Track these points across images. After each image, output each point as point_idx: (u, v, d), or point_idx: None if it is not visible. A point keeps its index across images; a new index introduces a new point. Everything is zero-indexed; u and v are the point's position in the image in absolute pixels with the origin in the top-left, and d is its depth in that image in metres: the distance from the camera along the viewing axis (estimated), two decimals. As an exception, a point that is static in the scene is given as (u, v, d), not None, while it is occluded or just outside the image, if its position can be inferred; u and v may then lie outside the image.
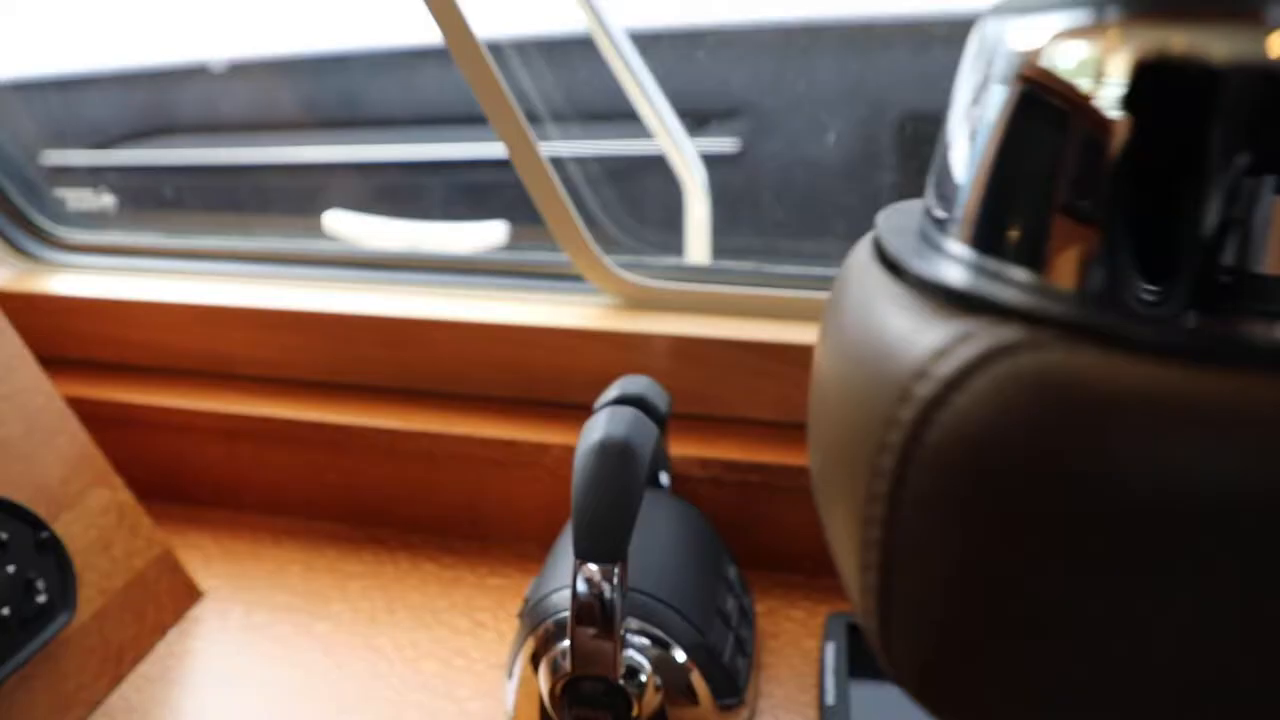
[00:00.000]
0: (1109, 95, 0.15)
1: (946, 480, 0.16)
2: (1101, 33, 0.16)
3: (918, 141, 1.15)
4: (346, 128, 1.78)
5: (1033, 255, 0.17)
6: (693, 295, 0.67)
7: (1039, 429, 0.15)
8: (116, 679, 0.56)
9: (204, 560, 0.68)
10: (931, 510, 0.16)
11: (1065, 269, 0.17)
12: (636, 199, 1.12)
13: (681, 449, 0.62)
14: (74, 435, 0.58)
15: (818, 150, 1.26)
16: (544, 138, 0.66)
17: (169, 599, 0.62)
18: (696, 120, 1.62)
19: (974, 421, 0.15)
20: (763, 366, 0.63)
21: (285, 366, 0.73)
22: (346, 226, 1.29)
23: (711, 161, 1.53)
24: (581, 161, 1.11)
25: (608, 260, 0.67)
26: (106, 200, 0.85)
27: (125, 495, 0.61)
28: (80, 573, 0.55)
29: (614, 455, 0.43)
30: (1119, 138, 0.15)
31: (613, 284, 0.68)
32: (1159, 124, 0.15)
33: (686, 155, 1.04)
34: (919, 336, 0.16)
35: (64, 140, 1.30)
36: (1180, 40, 0.15)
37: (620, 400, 0.48)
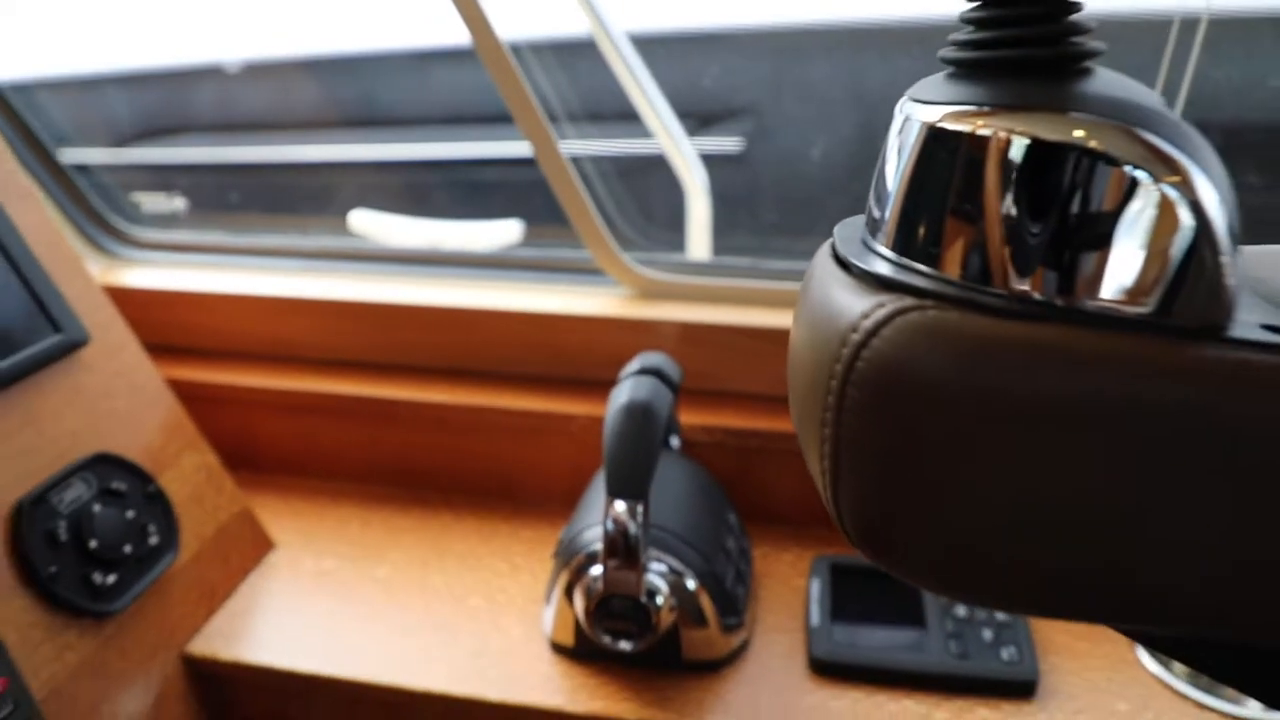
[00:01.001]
0: (978, 150, 0.25)
1: (869, 394, 0.25)
2: (973, 116, 0.25)
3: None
4: (359, 127, 1.86)
5: (928, 254, 0.26)
6: (697, 287, 0.76)
7: (923, 360, 0.25)
8: (210, 611, 0.66)
9: (274, 517, 0.77)
10: (861, 414, 0.26)
11: (951, 262, 0.26)
12: (642, 195, 1.20)
13: (690, 418, 0.71)
14: (170, 407, 0.68)
15: (818, 151, 1.33)
16: (560, 137, 0.75)
17: (249, 547, 0.71)
18: (701, 121, 1.70)
19: (885, 356, 0.25)
20: (759, 348, 0.72)
21: (341, 350, 0.82)
22: (371, 225, 1.38)
23: (716, 161, 1.61)
24: (596, 160, 1.19)
25: (625, 256, 0.76)
26: (178, 203, 0.94)
27: (211, 458, 0.70)
28: (180, 521, 0.64)
29: (638, 414, 0.53)
30: (985, 180, 0.25)
31: (627, 276, 0.78)
32: (1006, 170, 0.25)
33: (687, 156, 1.12)
34: (854, 306, 0.26)
35: (80, 139, 1.39)
36: (1012, 123, 0.24)
37: (642, 371, 0.58)
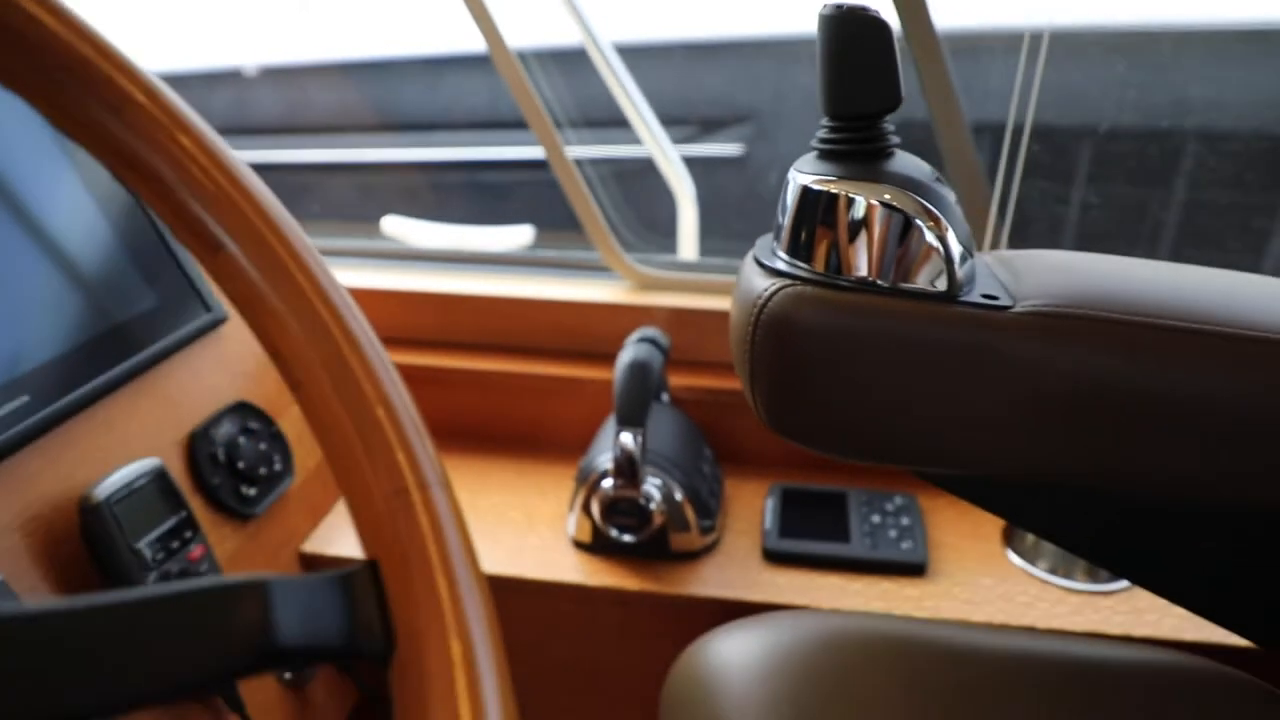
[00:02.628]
0: (830, 202, 0.46)
1: (767, 333, 0.47)
2: (828, 183, 0.46)
3: (906, 148, 1.40)
4: (388, 131, 2.04)
5: (804, 256, 0.48)
6: (684, 281, 0.97)
7: (797, 314, 0.46)
8: (315, 522, 0.87)
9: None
10: (764, 345, 0.47)
11: (817, 261, 0.47)
12: (636, 196, 1.38)
13: (676, 380, 0.92)
14: (280, 370, 0.88)
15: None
16: (569, 142, 0.96)
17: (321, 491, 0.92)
18: (704, 126, 1.89)
19: (774, 312, 0.46)
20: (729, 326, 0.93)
21: (403, 329, 1.03)
22: (401, 229, 1.58)
23: (719, 163, 1.80)
24: (595, 163, 1.37)
25: (626, 255, 0.97)
26: None
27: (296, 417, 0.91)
28: (294, 454, 0.85)
29: (638, 366, 0.74)
30: (836, 218, 0.46)
31: (628, 271, 0.98)
32: (846, 214, 0.46)
33: (677, 168, 1.33)
34: (760, 284, 0.47)
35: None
36: (848, 188, 0.46)
37: (641, 340, 0.79)
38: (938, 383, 0.46)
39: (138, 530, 0.63)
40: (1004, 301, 0.46)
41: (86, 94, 0.26)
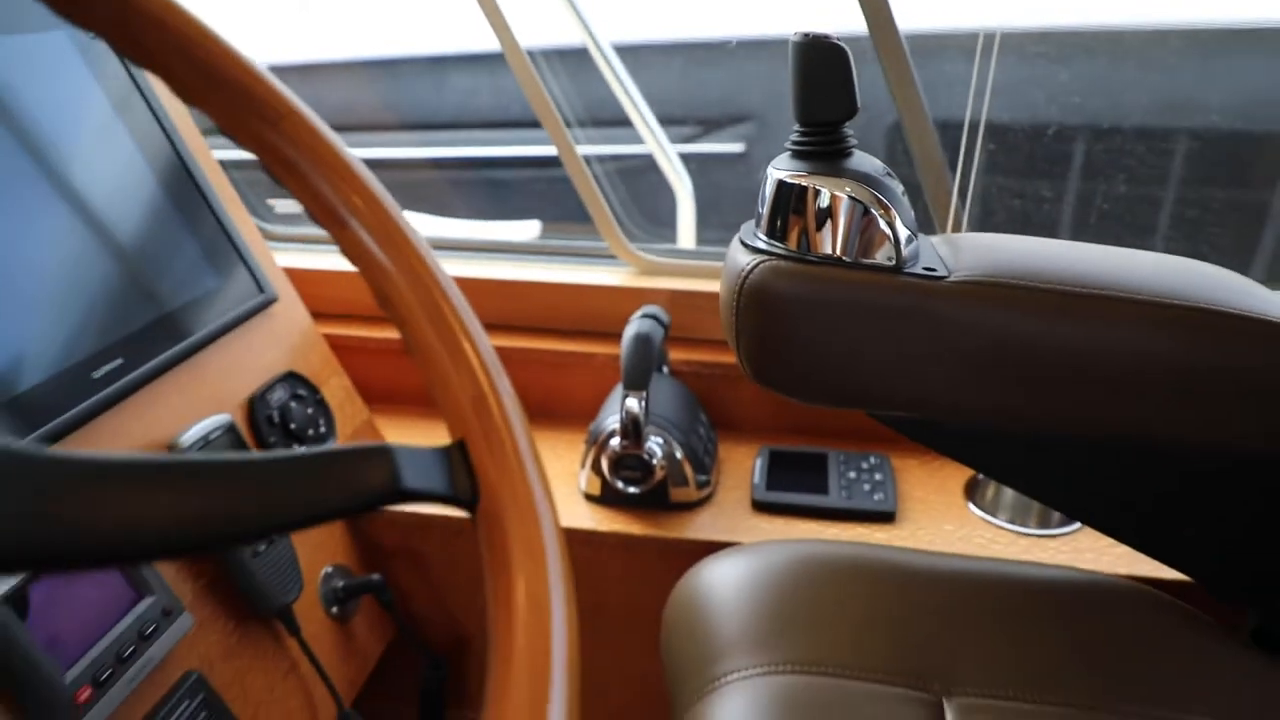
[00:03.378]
0: (801, 193, 0.56)
1: (748, 300, 0.57)
2: (799, 177, 0.57)
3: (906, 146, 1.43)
4: (377, 129, 2.12)
5: (779, 237, 0.58)
6: (682, 266, 1.07)
7: (773, 284, 0.56)
8: (355, 481, 0.97)
9: (385, 428, 1.08)
10: (746, 310, 0.57)
11: (791, 241, 0.58)
12: (638, 191, 1.47)
13: (676, 354, 1.03)
14: (322, 346, 0.99)
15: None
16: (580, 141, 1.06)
17: (368, 438, 1.02)
18: (707, 125, 1.98)
19: (755, 282, 0.56)
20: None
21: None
22: (419, 225, 1.68)
23: (722, 159, 1.90)
24: (601, 160, 1.47)
25: (630, 245, 1.08)
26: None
27: (347, 382, 1.01)
28: (335, 419, 0.95)
29: (643, 336, 0.84)
30: (805, 207, 0.56)
31: (632, 259, 1.09)
32: (814, 203, 0.56)
33: (675, 165, 1.43)
34: (744, 259, 0.57)
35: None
36: (815, 182, 0.56)
37: (644, 315, 0.89)
38: (887, 338, 0.57)
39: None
40: (941, 273, 0.56)
41: (252, 112, 0.36)
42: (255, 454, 0.31)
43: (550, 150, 1.07)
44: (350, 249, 0.38)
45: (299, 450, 0.32)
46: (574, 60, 1.18)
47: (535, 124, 1.04)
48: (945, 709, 0.58)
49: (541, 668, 0.28)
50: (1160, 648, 0.63)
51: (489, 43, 1.02)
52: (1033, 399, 0.57)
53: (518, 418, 0.36)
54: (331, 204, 0.37)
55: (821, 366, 0.58)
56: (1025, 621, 0.64)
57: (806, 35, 0.53)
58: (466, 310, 0.38)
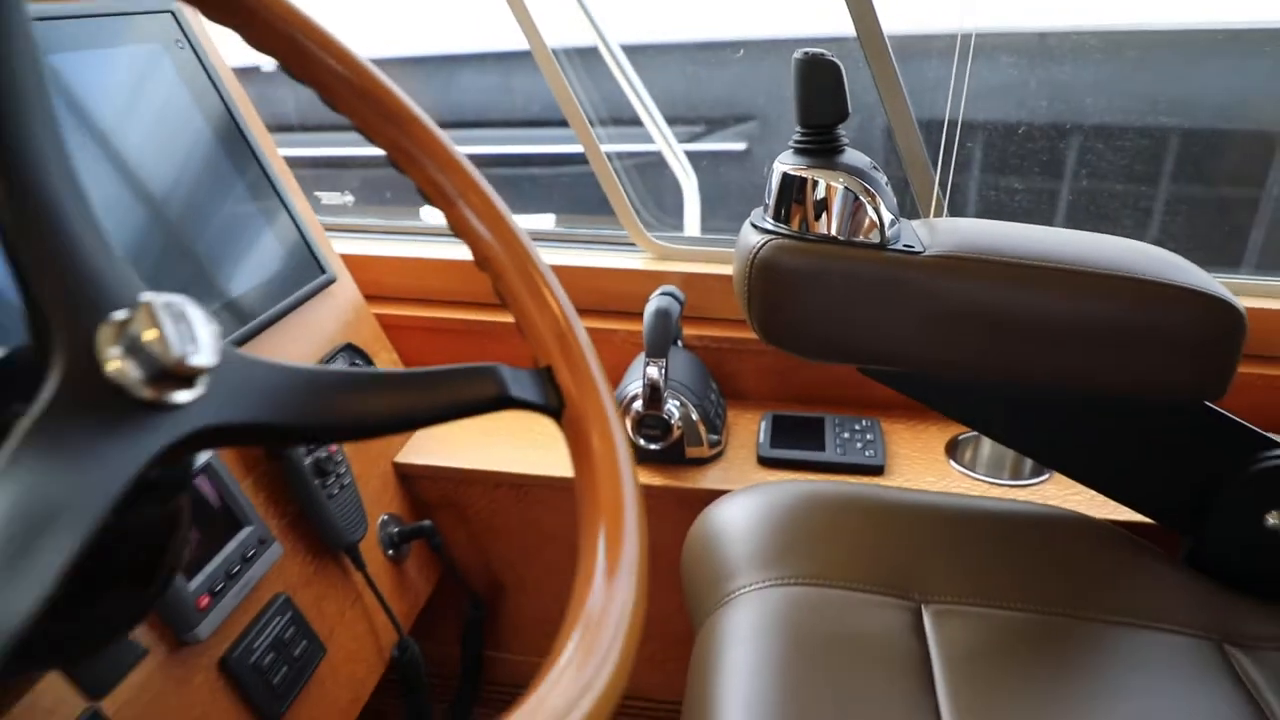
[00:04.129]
0: (801, 183, 0.68)
1: (758, 273, 0.68)
2: (800, 170, 0.68)
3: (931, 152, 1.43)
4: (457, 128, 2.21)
5: (784, 219, 0.69)
6: (692, 252, 1.18)
7: (777, 258, 0.67)
8: (404, 439, 1.08)
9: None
10: (757, 280, 0.69)
11: (794, 221, 0.69)
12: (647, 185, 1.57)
13: (689, 330, 1.14)
14: (373, 322, 1.10)
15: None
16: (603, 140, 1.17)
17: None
18: (711, 124, 2.08)
19: (764, 257, 0.68)
20: (729, 288, 1.14)
21: (454, 292, 1.24)
22: (437, 217, 1.79)
23: (725, 157, 2.00)
24: (620, 157, 1.56)
25: (647, 233, 1.19)
26: (349, 198, 1.35)
27: (395, 356, 1.12)
28: (386, 388, 1.06)
29: (662, 310, 0.95)
30: (805, 195, 0.68)
31: (648, 244, 1.20)
32: (813, 192, 0.67)
33: (682, 162, 1.54)
34: (754, 239, 0.68)
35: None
36: (814, 174, 0.67)
37: (663, 293, 1.00)
38: (872, 303, 0.68)
39: (298, 427, 0.85)
40: (918, 249, 0.67)
41: (387, 119, 0.47)
42: (423, 368, 0.42)
43: (558, 148, 1.18)
44: (457, 223, 0.49)
45: (446, 366, 0.43)
46: (579, 61, 1.28)
47: (543, 123, 1.15)
48: (923, 613, 0.69)
49: (617, 507, 0.40)
50: (1107, 567, 0.75)
51: (497, 43, 1.12)
52: (993, 353, 0.68)
53: (589, 349, 0.47)
54: (444, 188, 0.48)
55: (819, 327, 0.70)
56: (992, 545, 0.75)
57: (807, 53, 0.64)
58: (547, 269, 0.49)
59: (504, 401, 0.44)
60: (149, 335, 0.31)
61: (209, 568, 0.71)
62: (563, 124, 1.16)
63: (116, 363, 0.31)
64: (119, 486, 0.29)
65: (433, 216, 1.77)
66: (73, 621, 0.36)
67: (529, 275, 0.48)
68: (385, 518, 0.98)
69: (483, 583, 1.14)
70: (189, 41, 0.92)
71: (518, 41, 1.22)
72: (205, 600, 0.69)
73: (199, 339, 0.32)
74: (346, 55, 0.46)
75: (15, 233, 0.31)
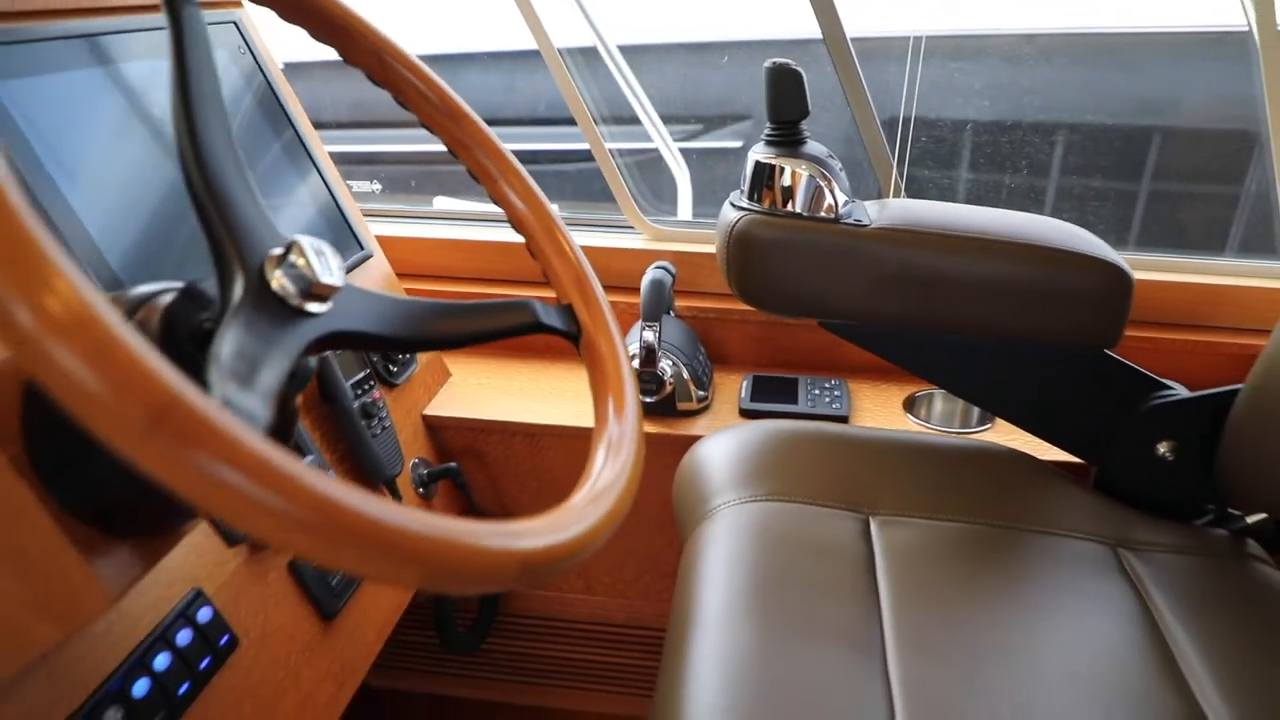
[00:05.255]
0: (769, 169, 0.81)
1: (734, 244, 0.82)
2: (770, 159, 0.82)
3: (893, 142, 1.52)
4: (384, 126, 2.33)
5: (756, 199, 0.83)
6: (684, 233, 1.32)
7: (751, 230, 0.81)
8: (430, 395, 1.22)
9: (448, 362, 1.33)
10: (734, 249, 0.82)
11: (765, 201, 0.83)
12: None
13: (680, 302, 1.27)
14: (403, 292, 1.23)
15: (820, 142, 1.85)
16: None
17: (441, 370, 1.27)
18: (709, 123, 2.20)
19: (740, 230, 0.81)
20: (715, 264, 1.28)
21: (476, 269, 1.38)
22: (448, 206, 1.92)
23: (722, 154, 2.13)
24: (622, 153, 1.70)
25: (644, 217, 1.32)
26: (377, 186, 1.49)
27: (421, 323, 1.26)
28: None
29: (656, 282, 1.09)
30: (772, 180, 0.81)
31: (644, 226, 1.33)
32: (780, 177, 0.81)
33: (676, 156, 1.67)
34: (732, 215, 0.82)
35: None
36: (780, 161, 0.81)
37: (658, 267, 1.14)
38: (829, 267, 0.81)
39: (346, 374, 0.98)
40: (866, 223, 0.81)
41: (447, 117, 0.61)
42: (481, 301, 0.56)
43: (557, 145, 1.31)
44: (499, 197, 0.63)
45: (496, 300, 0.57)
46: (581, 60, 1.40)
47: (544, 121, 1.27)
48: (870, 523, 0.83)
49: (620, 383, 0.53)
50: (1029, 489, 0.88)
51: (500, 44, 1.25)
52: (929, 308, 0.82)
53: (600, 291, 0.61)
54: (490, 170, 0.62)
55: (786, 288, 0.83)
56: (933, 472, 0.89)
57: (775, 63, 0.78)
58: (568, 231, 0.62)
59: (537, 327, 0.57)
60: (300, 263, 0.45)
61: (281, 487, 0.84)
62: (560, 123, 1.29)
63: (279, 280, 0.44)
64: (289, 361, 0.43)
65: (446, 204, 1.91)
66: None
67: (554, 235, 0.62)
68: (416, 461, 1.12)
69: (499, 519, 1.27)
70: (249, 47, 1.05)
71: (518, 43, 1.34)
72: (279, 512, 0.83)
73: (331, 268, 0.46)
74: (418, 68, 0.60)
75: (207, 202, 0.45)
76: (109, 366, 0.27)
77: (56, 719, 0.58)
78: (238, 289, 0.44)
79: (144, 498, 0.50)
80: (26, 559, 0.49)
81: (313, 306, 0.46)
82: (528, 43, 1.38)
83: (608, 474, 0.46)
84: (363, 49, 0.58)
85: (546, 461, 1.20)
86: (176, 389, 0.28)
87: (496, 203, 0.63)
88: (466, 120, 0.61)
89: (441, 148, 0.64)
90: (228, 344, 0.40)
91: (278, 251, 0.46)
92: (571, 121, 1.31)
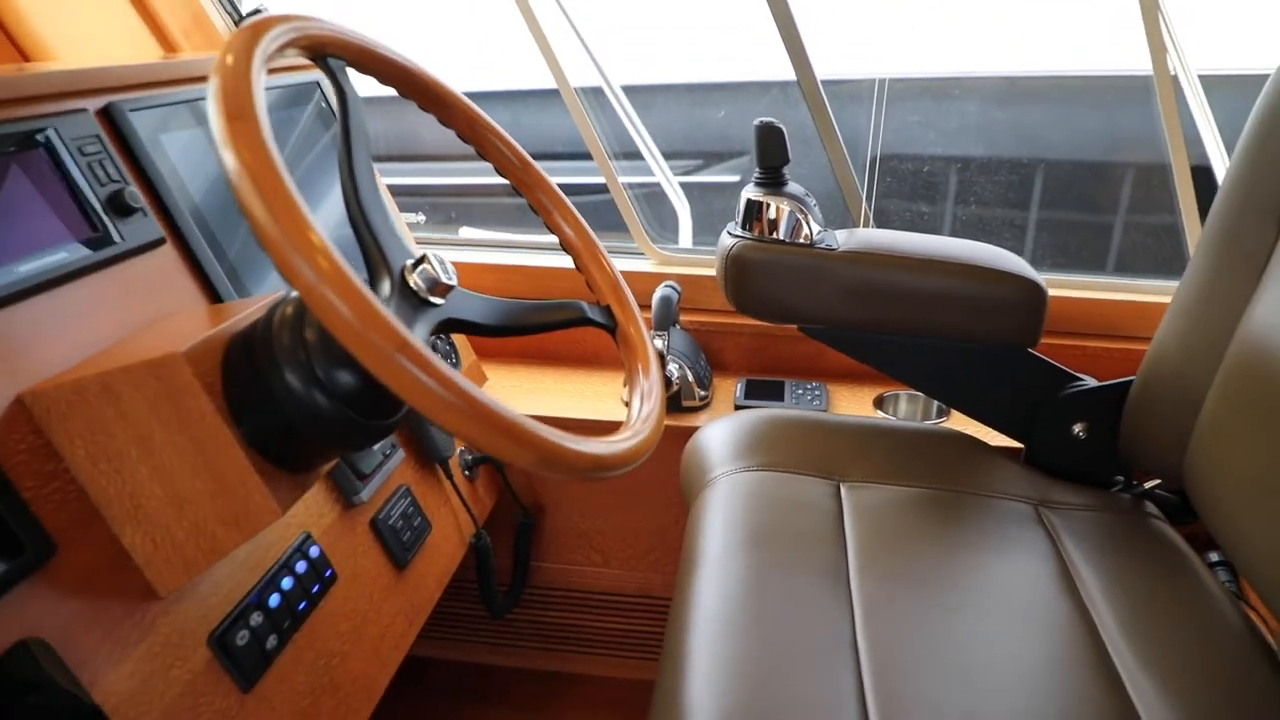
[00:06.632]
0: (758, 206, 1.01)
1: (731, 264, 1.01)
2: (759, 198, 1.01)
3: (881, 177, 1.54)
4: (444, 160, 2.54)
5: (749, 228, 1.02)
6: (687, 259, 1.51)
7: (744, 255, 1.00)
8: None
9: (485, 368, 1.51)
10: (732, 268, 1.01)
11: (755, 229, 1.02)
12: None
13: (684, 316, 1.46)
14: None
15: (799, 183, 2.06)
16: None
17: (479, 375, 1.45)
18: (708, 159, 2.40)
19: (735, 254, 1.00)
20: (714, 285, 1.47)
21: (508, 290, 1.56)
22: (473, 236, 2.11)
23: (719, 188, 2.33)
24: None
25: (653, 245, 1.51)
26: (421, 217, 1.68)
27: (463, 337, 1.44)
28: (459, 352, 1.38)
29: (665, 298, 1.28)
30: (764, 213, 1.01)
31: (653, 252, 1.52)
32: (766, 211, 1.00)
33: (676, 190, 1.86)
34: (728, 241, 1.01)
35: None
36: (767, 199, 1.00)
37: (667, 286, 1.32)
38: (806, 283, 1.00)
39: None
40: (835, 248, 1.00)
41: (514, 164, 0.80)
42: (547, 300, 0.74)
43: (571, 179, 1.50)
44: (554, 226, 0.81)
45: (556, 300, 0.75)
46: (591, 99, 1.61)
47: (555, 156, 1.44)
48: (841, 488, 1.01)
49: (648, 358, 0.72)
50: (971, 463, 1.06)
51: (506, 83, 1.43)
52: (886, 314, 1.01)
53: (630, 296, 0.79)
54: (547, 205, 0.81)
55: (772, 299, 1.02)
56: (893, 449, 1.07)
57: (762, 121, 0.97)
58: (605, 251, 0.81)
59: (585, 321, 0.76)
60: (429, 269, 0.63)
61: (361, 459, 1.02)
62: (566, 158, 1.48)
63: (415, 280, 0.63)
64: (424, 337, 0.61)
65: (472, 234, 2.10)
66: (371, 417, 0.68)
67: (595, 255, 0.81)
68: (461, 448, 1.30)
69: (528, 502, 1.45)
70: (327, 101, 1.25)
71: (524, 82, 1.52)
72: (366, 476, 1.01)
73: (449, 273, 0.65)
74: (496, 129, 0.79)
75: (363, 225, 0.64)
76: (363, 313, 0.46)
77: (217, 617, 0.76)
78: (385, 286, 0.63)
79: (302, 439, 0.68)
80: (225, 482, 0.67)
81: (436, 299, 0.65)
82: (528, 83, 1.54)
83: (645, 410, 0.64)
84: (457, 115, 0.77)
85: (570, 451, 1.38)
86: (405, 333, 0.47)
87: (551, 230, 0.82)
88: (530, 168, 0.80)
89: (472, 181, 0.82)
90: None
91: (412, 261, 0.64)
92: (576, 157, 1.50)
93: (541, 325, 0.73)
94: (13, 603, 0.61)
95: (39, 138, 0.75)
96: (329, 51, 0.65)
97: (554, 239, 1.73)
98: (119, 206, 0.80)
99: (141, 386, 0.65)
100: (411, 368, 0.47)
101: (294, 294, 0.69)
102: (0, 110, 0.74)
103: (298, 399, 0.64)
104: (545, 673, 1.56)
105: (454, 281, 0.65)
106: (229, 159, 0.48)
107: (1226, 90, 1.32)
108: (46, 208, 0.74)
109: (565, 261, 1.52)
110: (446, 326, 0.66)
